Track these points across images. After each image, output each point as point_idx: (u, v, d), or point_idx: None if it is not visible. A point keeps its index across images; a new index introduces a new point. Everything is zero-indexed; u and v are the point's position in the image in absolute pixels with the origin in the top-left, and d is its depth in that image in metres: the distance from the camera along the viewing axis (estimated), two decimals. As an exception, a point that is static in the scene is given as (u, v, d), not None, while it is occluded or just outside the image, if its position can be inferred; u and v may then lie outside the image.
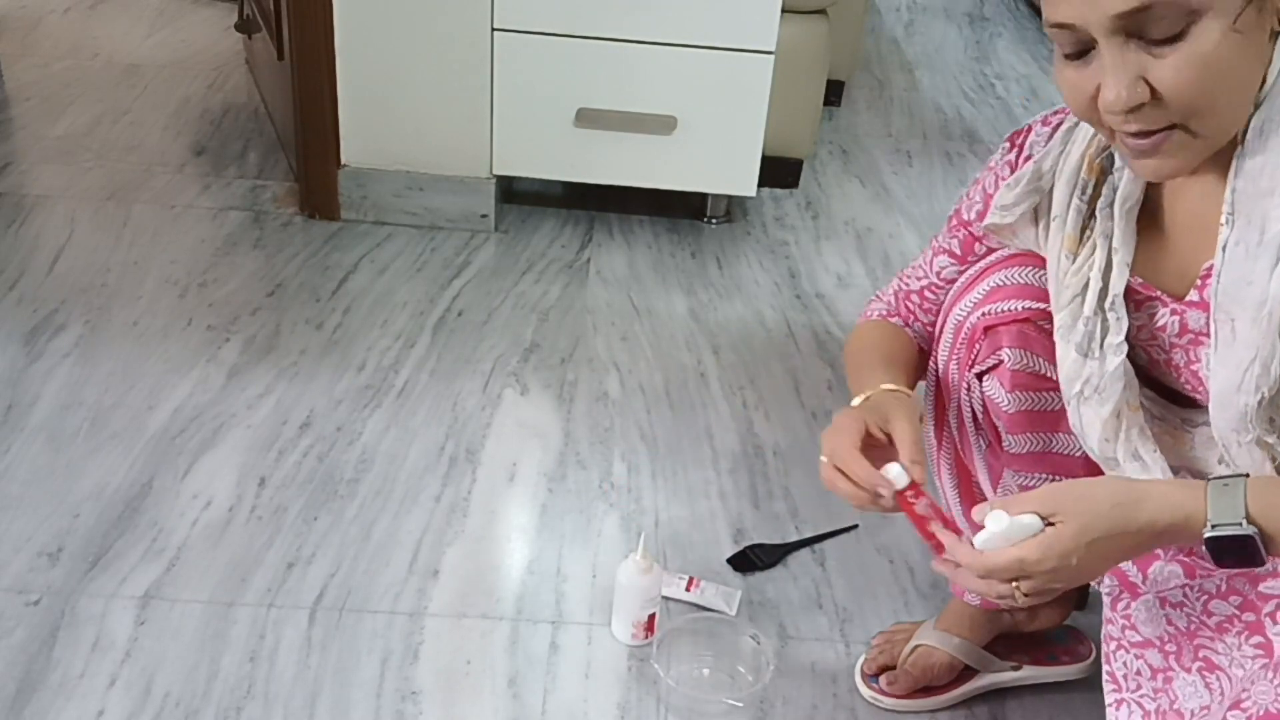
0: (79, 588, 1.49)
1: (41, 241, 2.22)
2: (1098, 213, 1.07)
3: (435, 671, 1.42)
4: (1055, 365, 1.15)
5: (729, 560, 1.62)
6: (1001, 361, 1.18)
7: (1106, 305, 1.06)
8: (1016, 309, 1.17)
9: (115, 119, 2.70)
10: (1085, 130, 1.09)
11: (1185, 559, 1.10)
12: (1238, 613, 1.03)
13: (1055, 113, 1.16)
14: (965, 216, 1.24)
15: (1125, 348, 1.06)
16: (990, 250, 1.23)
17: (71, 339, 1.95)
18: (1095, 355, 1.07)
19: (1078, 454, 1.20)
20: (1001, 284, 1.18)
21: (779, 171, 2.58)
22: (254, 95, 2.88)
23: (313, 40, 2.21)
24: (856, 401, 1.20)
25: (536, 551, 1.62)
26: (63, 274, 2.13)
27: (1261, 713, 0.96)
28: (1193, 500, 0.95)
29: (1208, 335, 1.02)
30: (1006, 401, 1.19)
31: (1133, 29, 0.89)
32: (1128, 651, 1.13)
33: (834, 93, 3.04)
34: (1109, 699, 1.15)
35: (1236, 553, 0.94)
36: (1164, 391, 1.14)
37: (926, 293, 1.30)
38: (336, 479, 1.71)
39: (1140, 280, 1.08)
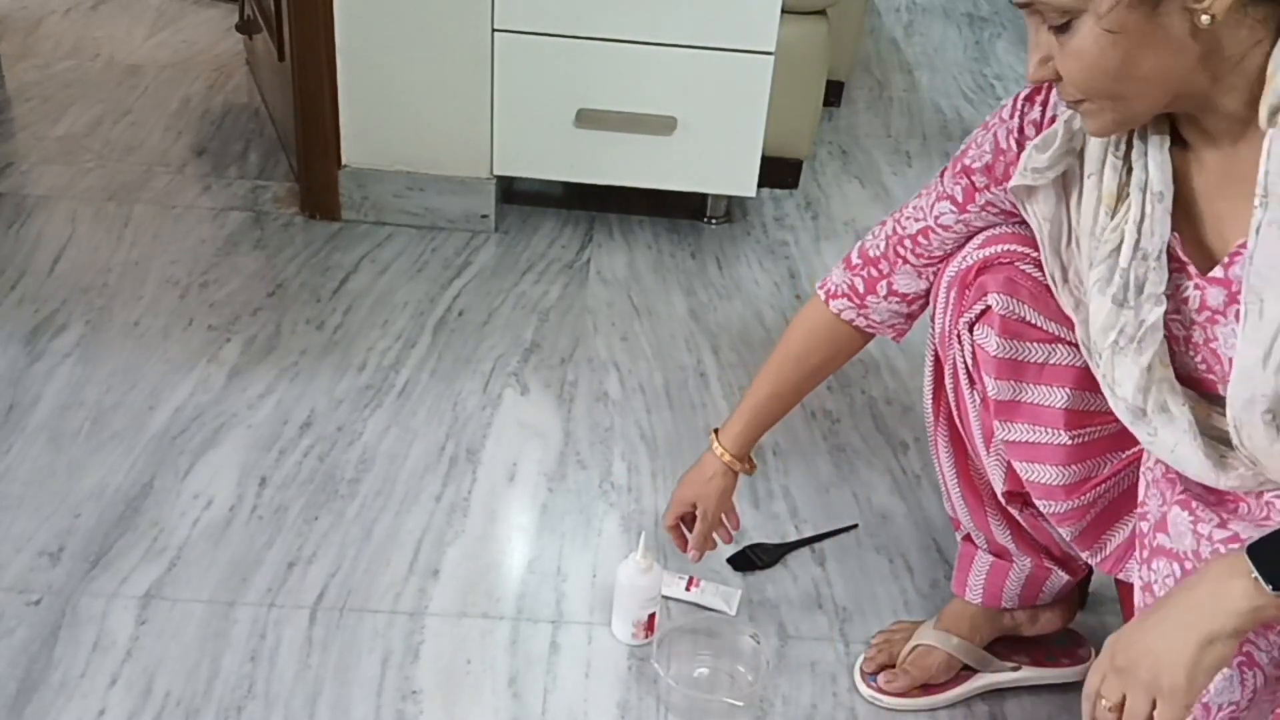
0: (80, 587, 1.49)
1: (42, 242, 2.22)
2: (1134, 163, 1.07)
3: (435, 671, 1.43)
4: (1039, 313, 1.20)
5: (729, 560, 1.62)
6: (989, 307, 1.21)
7: (1153, 255, 1.05)
8: (1003, 250, 1.20)
9: (116, 119, 2.70)
10: None
11: None
12: None
13: None
14: (969, 164, 1.21)
15: (1165, 300, 1.06)
16: (989, 203, 1.22)
17: (72, 339, 1.95)
18: (1131, 305, 1.07)
19: (1060, 405, 1.22)
20: (993, 233, 1.22)
21: (779, 172, 2.59)
22: (254, 96, 2.88)
23: (313, 41, 2.21)
24: (717, 450, 1.44)
25: (536, 551, 1.62)
26: (64, 274, 2.13)
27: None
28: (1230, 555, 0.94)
29: (1224, 315, 1.03)
30: (995, 346, 1.21)
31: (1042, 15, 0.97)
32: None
33: (834, 93, 3.04)
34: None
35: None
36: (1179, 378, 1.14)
37: (920, 238, 1.28)
38: (337, 479, 1.71)
39: (1179, 240, 1.07)
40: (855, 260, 1.34)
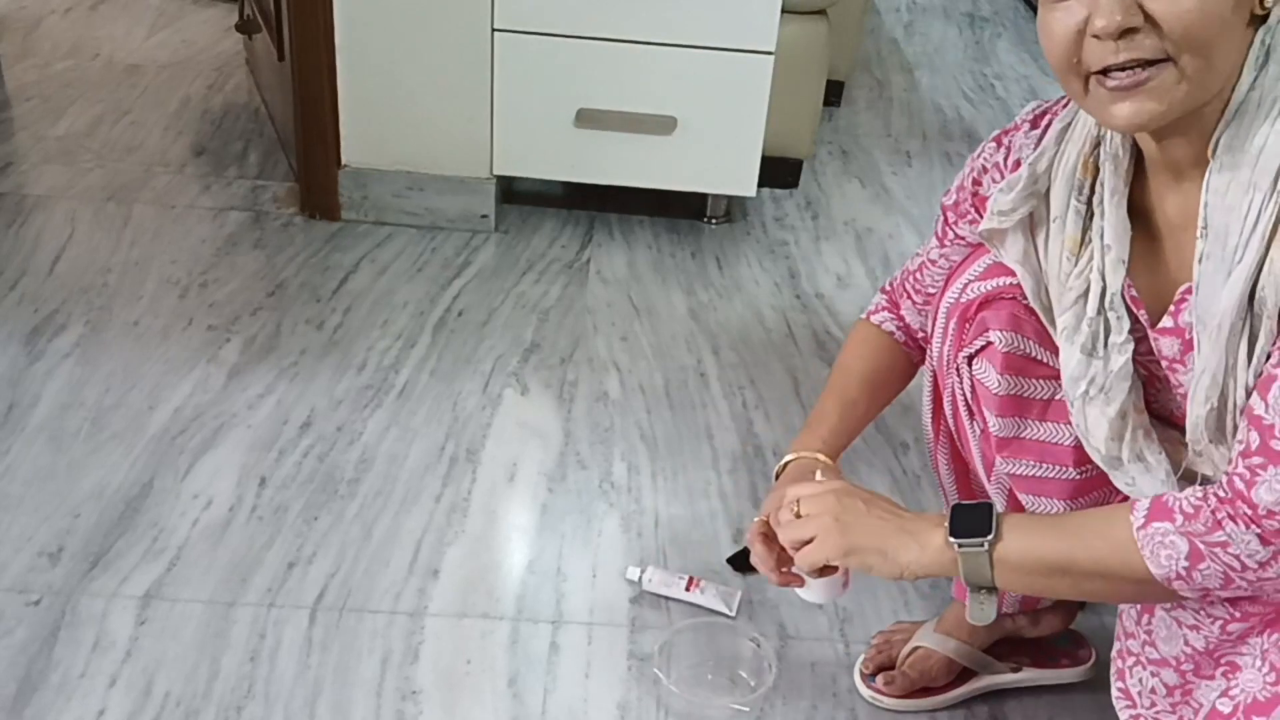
0: (79, 587, 1.49)
1: (42, 242, 2.22)
2: (1094, 209, 1.07)
3: (435, 671, 1.43)
4: (1045, 349, 1.17)
5: (729, 560, 1.62)
6: (991, 343, 1.19)
7: (1107, 304, 1.07)
8: (1006, 284, 1.18)
9: (116, 119, 2.70)
10: (1080, 130, 1.09)
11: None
12: (1260, 620, 1.03)
13: (1041, 112, 1.16)
14: (944, 200, 1.27)
15: (1130, 345, 1.07)
16: (959, 238, 1.25)
17: (72, 339, 1.95)
18: (1099, 355, 1.07)
19: (1067, 443, 1.21)
20: (992, 262, 1.20)
21: (779, 172, 2.58)
22: (254, 96, 2.88)
23: (313, 40, 2.21)
24: (821, 457, 1.31)
25: (536, 551, 1.62)
26: (63, 274, 2.13)
27: (1250, 700, 0.96)
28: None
29: (1181, 363, 1.04)
30: (996, 383, 1.20)
31: None
32: (1145, 668, 1.12)
33: (834, 93, 3.04)
34: (1123, 715, 1.14)
35: (967, 518, 1.07)
36: (1158, 416, 1.14)
37: (918, 274, 1.32)
38: (337, 479, 1.71)
39: (1134, 293, 1.08)
40: (886, 288, 1.40)
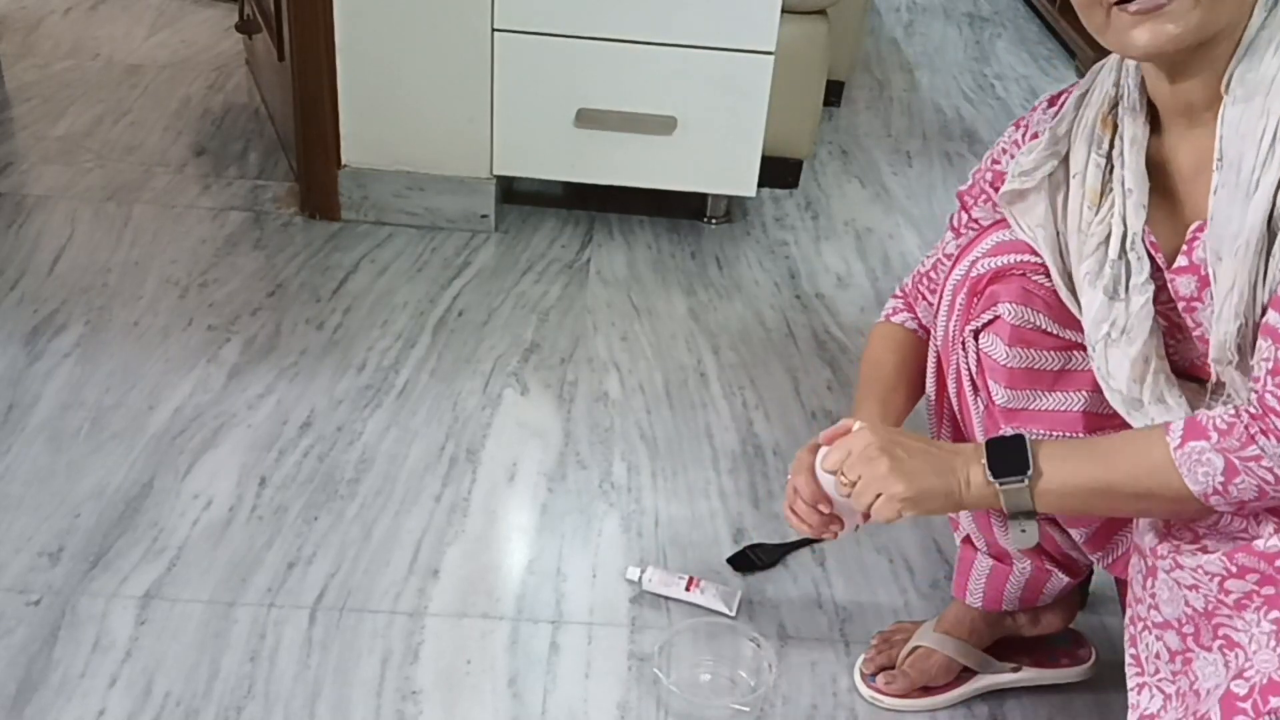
0: (79, 587, 1.49)
1: (42, 242, 2.22)
2: (1114, 161, 1.12)
3: (435, 671, 1.43)
4: (1055, 322, 1.19)
5: (729, 560, 1.62)
6: (999, 316, 1.21)
7: (1128, 246, 1.11)
8: (1015, 261, 1.20)
9: (116, 119, 2.70)
10: (1098, 95, 1.14)
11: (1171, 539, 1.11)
12: (1257, 588, 1.03)
13: (1057, 94, 1.21)
14: (961, 190, 1.30)
15: (1151, 286, 1.11)
16: (975, 220, 1.28)
17: (72, 339, 1.95)
18: (1121, 297, 1.11)
19: (1077, 408, 1.22)
20: (1002, 239, 1.22)
21: (779, 171, 2.58)
22: (254, 95, 2.88)
23: (313, 40, 2.21)
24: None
25: (536, 551, 1.62)
26: (63, 274, 2.13)
27: (1265, 681, 0.96)
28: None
29: (1200, 300, 1.08)
30: (1004, 355, 1.21)
31: None
32: (1150, 632, 1.13)
33: (834, 93, 3.04)
34: (1131, 682, 1.15)
35: (1006, 452, 1.10)
36: (1176, 369, 1.17)
37: (931, 272, 1.35)
38: (337, 479, 1.71)
39: (1151, 238, 1.11)
40: (898, 292, 1.42)
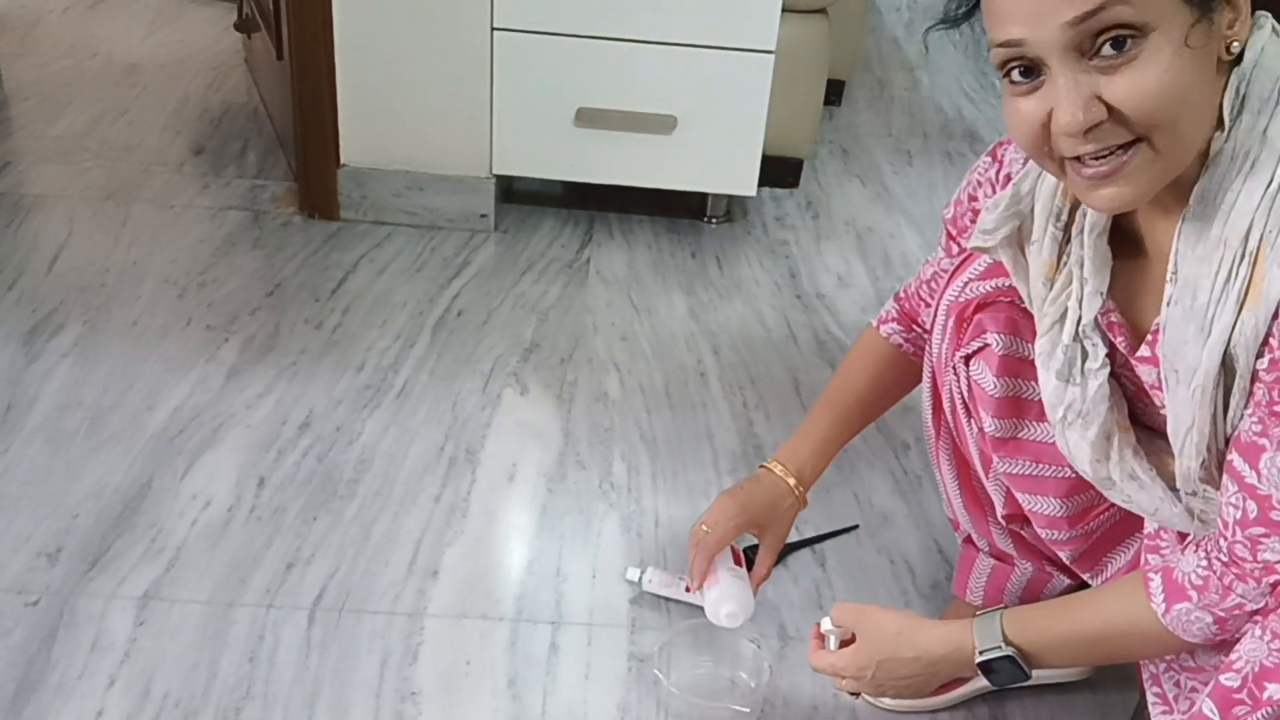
0: (78, 588, 1.49)
1: (40, 241, 2.22)
2: (1073, 238, 1.06)
3: (435, 672, 1.42)
4: None
5: (729, 561, 1.61)
6: (988, 345, 1.20)
7: (1081, 333, 1.07)
8: (1005, 286, 1.19)
9: (114, 118, 2.70)
10: None
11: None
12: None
13: None
14: (944, 214, 1.29)
15: (1107, 369, 1.07)
16: (963, 249, 1.27)
17: (70, 339, 1.95)
18: (1076, 381, 1.08)
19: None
20: (994, 260, 1.19)
21: (779, 171, 2.58)
22: (253, 95, 2.88)
23: (312, 40, 2.20)
24: (790, 480, 1.41)
25: (536, 552, 1.62)
26: (62, 274, 2.13)
27: (1257, 669, 0.96)
28: (962, 632, 1.15)
29: (1160, 390, 1.03)
30: (992, 385, 1.21)
31: (1085, 47, 0.87)
32: (1178, 673, 1.13)
33: (834, 92, 3.04)
34: (1156, 714, 1.15)
35: (1003, 671, 1.13)
36: (1146, 427, 1.14)
37: (931, 282, 1.34)
38: (336, 479, 1.70)
39: (1117, 317, 1.07)
40: (900, 295, 1.41)
